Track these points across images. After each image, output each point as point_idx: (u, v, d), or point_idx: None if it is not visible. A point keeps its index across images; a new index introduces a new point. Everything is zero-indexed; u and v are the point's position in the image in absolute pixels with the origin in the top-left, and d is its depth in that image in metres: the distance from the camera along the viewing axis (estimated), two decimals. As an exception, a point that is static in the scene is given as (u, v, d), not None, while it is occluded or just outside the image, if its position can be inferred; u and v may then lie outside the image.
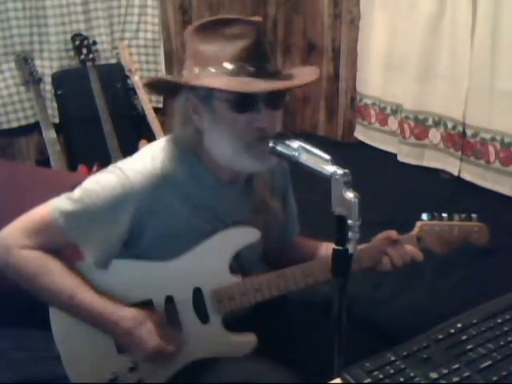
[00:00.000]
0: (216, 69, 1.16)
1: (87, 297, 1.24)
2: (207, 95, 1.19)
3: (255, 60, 1.16)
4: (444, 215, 1.40)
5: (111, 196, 1.21)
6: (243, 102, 1.16)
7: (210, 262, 1.30)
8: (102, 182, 1.24)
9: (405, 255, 1.36)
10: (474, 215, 1.42)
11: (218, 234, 1.29)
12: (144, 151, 1.31)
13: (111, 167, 1.27)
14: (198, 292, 1.30)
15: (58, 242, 1.27)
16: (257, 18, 1.20)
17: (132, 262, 1.30)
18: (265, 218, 1.37)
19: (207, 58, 1.17)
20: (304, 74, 1.26)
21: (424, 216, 1.41)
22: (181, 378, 1.31)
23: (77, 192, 1.25)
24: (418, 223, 1.40)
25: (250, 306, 1.32)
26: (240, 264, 1.35)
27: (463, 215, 1.41)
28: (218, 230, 1.30)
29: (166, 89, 1.34)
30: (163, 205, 1.24)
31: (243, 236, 1.32)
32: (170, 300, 1.30)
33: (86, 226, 1.24)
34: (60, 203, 1.25)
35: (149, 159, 1.26)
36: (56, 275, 1.25)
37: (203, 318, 1.31)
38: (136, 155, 1.30)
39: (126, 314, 1.24)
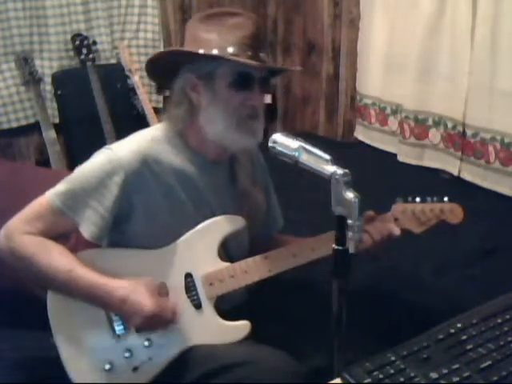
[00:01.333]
0: (218, 50, 1.31)
1: (84, 270, 1.29)
2: (208, 74, 1.33)
3: (253, 47, 1.32)
4: (417, 198, 1.50)
5: (100, 170, 1.32)
6: (241, 81, 1.32)
7: (199, 249, 1.36)
8: (92, 161, 1.35)
9: (382, 230, 1.42)
10: (445, 198, 1.50)
11: (204, 222, 1.38)
12: (132, 135, 1.41)
13: (102, 148, 1.36)
14: (189, 277, 1.36)
15: (57, 225, 1.34)
16: (253, 14, 1.37)
17: (124, 250, 1.36)
18: (248, 207, 1.44)
19: (210, 43, 1.31)
20: (291, 65, 1.40)
21: (398, 199, 1.51)
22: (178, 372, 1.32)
23: (71, 174, 1.36)
24: (394, 205, 1.50)
25: (240, 289, 1.37)
26: (228, 255, 1.41)
27: (435, 198, 1.50)
28: (202, 209, 1.39)
29: (165, 71, 1.41)
30: (150, 180, 1.33)
31: (229, 223, 1.38)
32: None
33: (80, 202, 1.32)
34: (55, 188, 1.34)
35: (136, 140, 1.38)
36: (55, 253, 1.31)
37: (195, 303, 1.35)
38: (126, 138, 1.40)
39: (121, 284, 1.29)
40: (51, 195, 1.33)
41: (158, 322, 1.28)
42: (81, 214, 1.32)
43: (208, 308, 1.35)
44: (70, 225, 1.34)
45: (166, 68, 1.39)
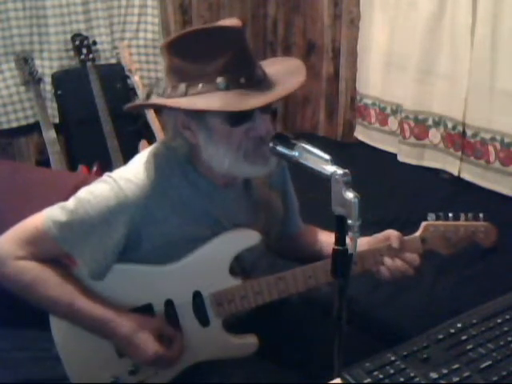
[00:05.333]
0: (205, 85, 1.12)
1: (86, 304, 1.23)
2: (198, 112, 1.15)
3: (243, 69, 1.13)
4: (450, 215, 1.37)
5: (105, 207, 1.20)
6: (238, 116, 1.13)
7: (209, 266, 1.28)
8: (95, 192, 1.22)
9: (402, 267, 1.33)
10: (480, 214, 1.38)
11: (218, 237, 1.28)
12: (137, 159, 1.28)
13: (105, 177, 1.25)
14: (197, 295, 1.29)
15: (52, 253, 1.25)
16: (237, 23, 1.16)
17: (131, 266, 1.28)
18: (265, 215, 1.36)
19: (193, 74, 1.13)
20: (289, 72, 1.22)
21: (429, 216, 1.37)
22: (182, 379, 1.31)
23: (70, 202, 1.24)
24: (423, 224, 1.37)
25: (250, 308, 1.32)
26: (240, 264, 1.34)
27: (470, 214, 1.37)
28: (217, 235, 1.28)
29: (148, 106, 1.31)
30: (159, 214, 1.22)
31: (243, 239, 1.31)
32: (169, 304, 1.29)
33: (79, 237, 1.22)
34: (53, 213, 1.23)
35: (142, 168, 1.23)
36: (53, 284, 1.23)
37: (203, 321, 1.30)
38: (129, 164, 1.28)
39: (124, 321, 1.23)
40: (48, 221, 1.22)
41: (160, 365, 1.26)
42: (80, 250, 1.23)
43: (216, 326, 1.31)
44: (65, 254, 1.25)
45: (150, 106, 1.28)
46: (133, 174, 1.23)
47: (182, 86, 1.14)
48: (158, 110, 1.27)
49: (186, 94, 1.14)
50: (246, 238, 1.31)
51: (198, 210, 1.27)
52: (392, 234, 1.35)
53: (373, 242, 1.36)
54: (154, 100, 1.22)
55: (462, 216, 1.37)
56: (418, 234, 1.37)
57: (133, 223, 1.21)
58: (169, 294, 1.29)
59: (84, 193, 1.24)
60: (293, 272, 1.31)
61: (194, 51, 1.13)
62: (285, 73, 1.22)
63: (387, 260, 1.33)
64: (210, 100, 1.11)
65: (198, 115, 1.16)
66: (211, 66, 1.11)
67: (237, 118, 1.13)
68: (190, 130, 1.19)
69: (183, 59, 1.14)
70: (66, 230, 1.21)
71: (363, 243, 1.35)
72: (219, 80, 1.11)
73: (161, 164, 1.24)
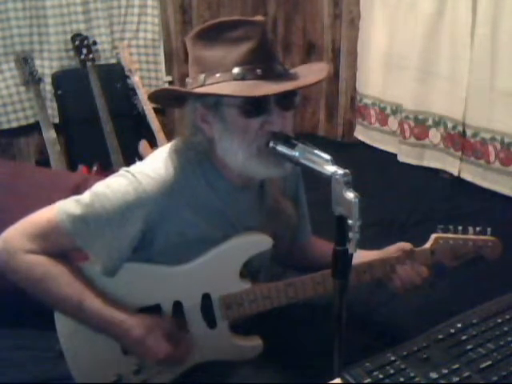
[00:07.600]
0: (222, 74, 1.13)
1: (95, 304, 1.21)
2: (215, 103, 1.15)
3: (262, 62, 1.13)
4: (459, 228, 1.37)
5: (123, 201, 1.17)
6: (254, 106, 1.13)
7: (220, 269, 1.27)
8: (112, 186, 1.19)
9: (412, 277, 1.34)
10: (488, 229, 1.39)
11: (230, 240, 1.27)
12: (155, 156, 1.26)
13: (122, 171, 1.23)
14: (206, 297, 1.29)
15: (64, 247, 1.23)
16: (259, 18, 1.16)
17: (141, 265, 1.27)
18: (278, 221, 1.36)
19: (212, 64, 1.14)
20: (312, 72, 1.22)
21: (439, 228, 1.38)
22: (184, 379, 1.31)
23: (85, 195, 1.21)
24: (433, 236, 1.38)
25: (258, 312, 1.31)
26: (249, 268, 1.33)
27: (478, 228, 1.38)
28: (229, 236, 1.27)
29: (170, 99, 1.30)
30: (175, 211, 1.21)
31: (256, 244, 1.30)
32: (177, 305, 1.28)
33: (94, 232, 1.19)
34: (67, 206, 1.20)
35: (161, 164, 1.22)
36: (63, 282, 1.21)
37: (210, 323, 1.30)
38: (147, 160, 1.26)
39: (135, 324, 1.22)
40: (62, 214, 1.19)
41: (171, 362, 1.26)
42: (94, 245, 1.20)
43: (222, 328, 1.30)
44: (78, 248, 1.22)
45: (171, 97, 1.27)
46: (151, 169, 1.21)
47: (201, 77, 1.15)
48: (179, 105, 1.26)
49: (203, 84, 1.15)
50: (259, 243, 1.30)
51: (214, 210, 1.25)
52: (402, 245, 1.36)
53: (382, 255, 1.37)
54: (174, 87, 1.21)
55: (471, 229, 1.38)
56: (427, 246, 1.38)
57: (149, 219, 1.19)
58: (178, 295, 1.28)
59: (100, 186, 1.21)
60: (302, 278, 1.31)
61: (214, 42, 1.15)
62: (307, 72, 1.22)
63: (398, 269, 1.33)
64: (224, 87, 1.12)
65: (216, 106, 1.16)
66: (229, 56, 1.13)
67: (251, 110, 1.13)
68: (208, 123, 1.19)
69: (204, 50, 1.16)
70: (80, 224, 1.19)
71: (372, 256, 1.36)
72: (236, 70, 1.12)
73: (180, 161, 1.23)
